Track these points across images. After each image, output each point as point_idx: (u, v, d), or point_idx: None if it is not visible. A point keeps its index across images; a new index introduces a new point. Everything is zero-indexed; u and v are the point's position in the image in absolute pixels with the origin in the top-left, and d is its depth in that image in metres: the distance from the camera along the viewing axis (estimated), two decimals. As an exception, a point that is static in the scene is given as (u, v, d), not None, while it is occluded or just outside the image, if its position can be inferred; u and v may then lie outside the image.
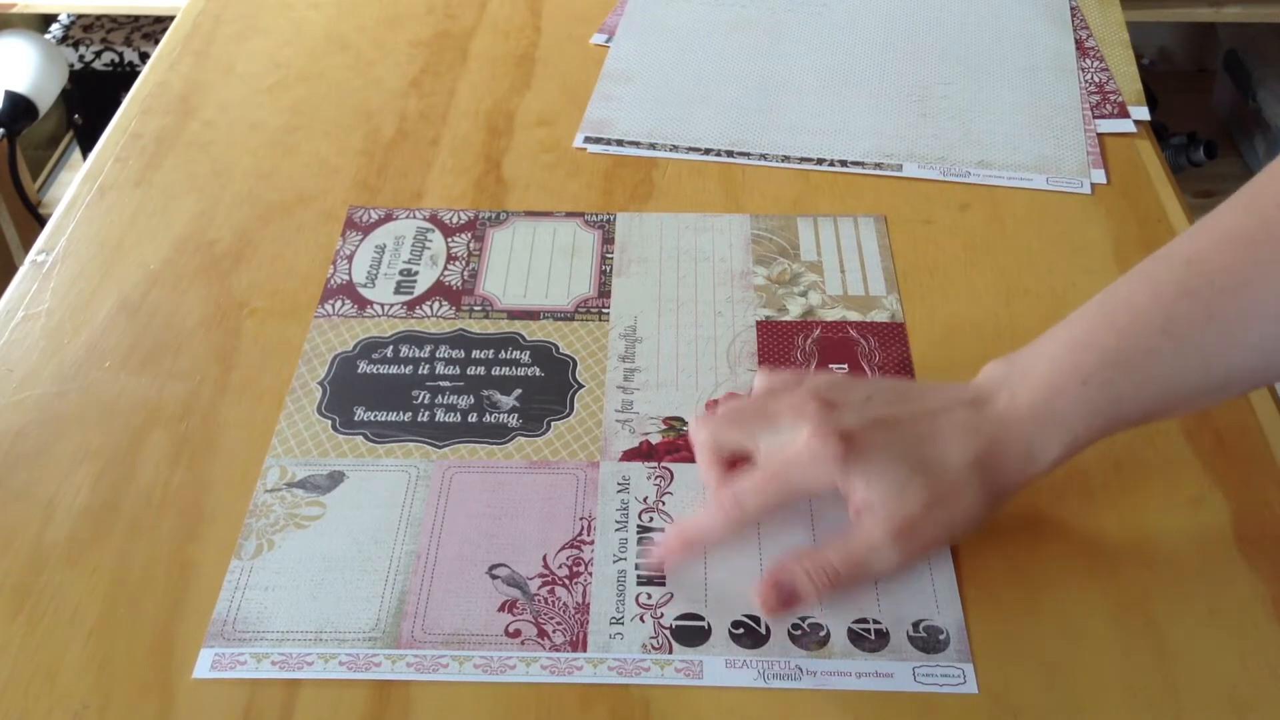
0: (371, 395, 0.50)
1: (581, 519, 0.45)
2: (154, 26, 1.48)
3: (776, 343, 0.53)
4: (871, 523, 0.41)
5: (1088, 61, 0.71)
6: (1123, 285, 0.42)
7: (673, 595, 0.43)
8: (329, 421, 0.49)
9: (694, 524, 0.43)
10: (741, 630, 0.42)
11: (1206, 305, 0.39)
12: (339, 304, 0.55)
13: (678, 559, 0.43)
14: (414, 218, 0.60)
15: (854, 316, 0.54)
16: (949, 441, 0.41)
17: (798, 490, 0.42)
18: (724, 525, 0.42)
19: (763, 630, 0.42)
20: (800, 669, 0.40)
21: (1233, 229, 0.40)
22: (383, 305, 0.55)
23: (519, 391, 0.51)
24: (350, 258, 0.58)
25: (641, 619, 0.42)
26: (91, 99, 1.48)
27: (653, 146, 0.65)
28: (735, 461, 0.43)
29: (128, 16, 1.49)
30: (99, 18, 1.49)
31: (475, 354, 0.53)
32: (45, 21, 1.52)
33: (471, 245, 0.58)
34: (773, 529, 0.45)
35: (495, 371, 0.52)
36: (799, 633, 0.42)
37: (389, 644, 0.41)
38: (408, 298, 0.55)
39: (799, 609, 0.42)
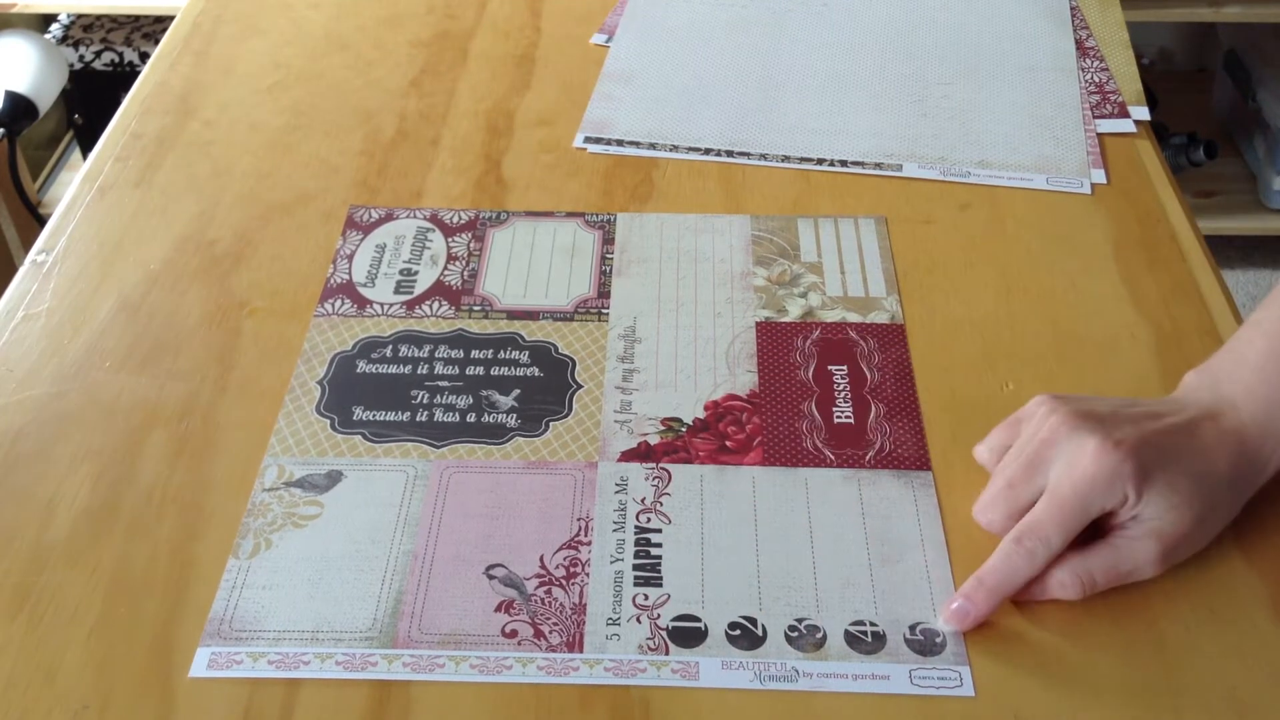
0: (370, 395, 0.50)
1: (579, 519, 0.45)
2: (154, 26, 1.48)
3: (776, 344, 0.53)
4: (1146, 539, 0.41)
5: (1088, 61, 0.71)
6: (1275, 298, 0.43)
7: (670, 596, 0.43)
8: (327, 421, 0.49)
9: (995, 571, 0.41)
10: (738, 632, 0.42)
11: None
12: (338, 303, 0.55)
13: (986, 612, 0.41)
14: (414, 217, 0.60)
15: (854, 318, 0.54)
16: (1214, 456, 0.42)
17: (1095, 511, 0.41)
18: (1030, 567, 0.41)
19: (759, 632, 0.42)
20: (797, 671, 0.40)
21: None
22: (382, 305, 0.55)
23: (518, 392, 0.51)
24: (350, 257, 0.58)
25: (638, 620, 0.42)
26: (91, 99, 1.48)
27: (653, 146, 0.65)
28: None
29: (128, 16, 1.49)
30: (99, 18, 1.50)
31: (474, 354, 0.53)
32: (45, 21, 1.52)
33: (471, 245, 0.58)
34: (771, 535, 0.45)
35: (494, 372, 0.52)
36: (796, 634, 0.42)
37: (386, 644, 0.41)
38: (407, 297, 0.55)
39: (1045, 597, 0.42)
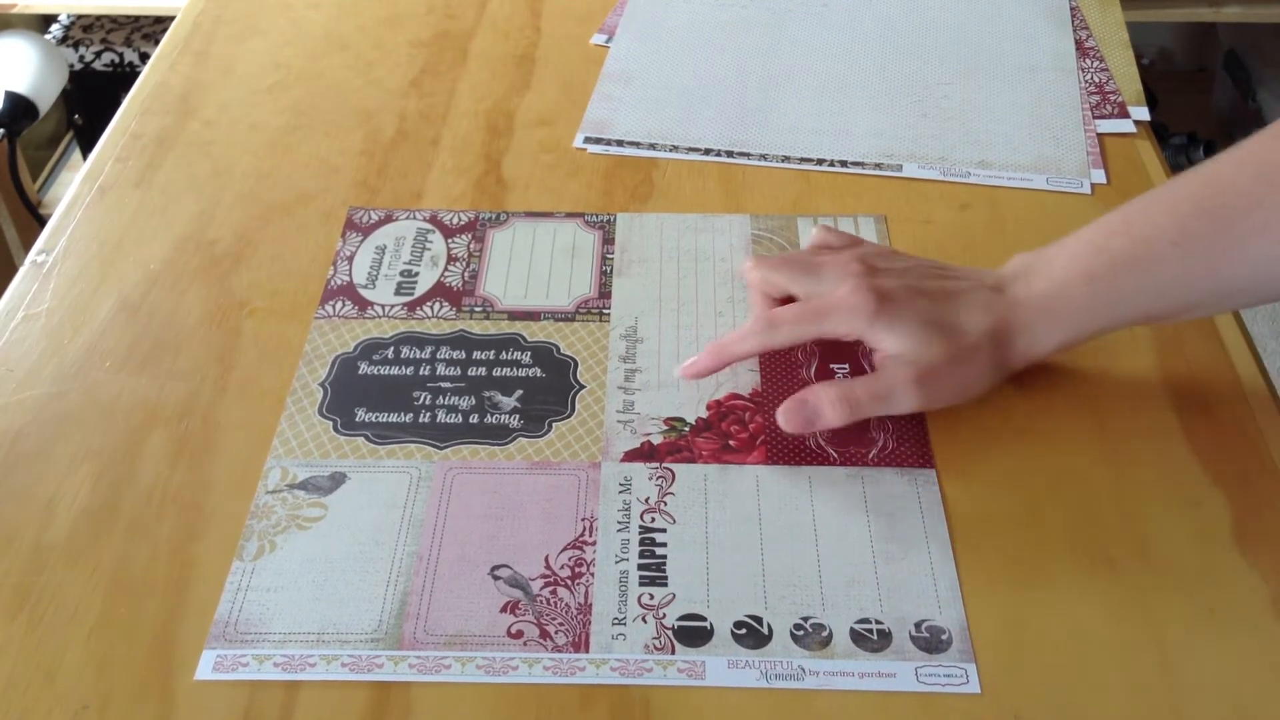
0: (372, 396, 0.50)
1: (583, 520, 0.45)
2: (154, 26, 1.48)
3: (777, 343, 0.53)
4: (896, 367, 0.45)
5: (1088, 61, 0.71)
6: (1145, 197, 0.45)
7: (675, 595, 0.43)
8: (330, 423, 0.49)
9: (729, 337, 0.47)
10: (744, 631, 0.42)
11: (1218, 223, 0.42)
12: (339, 305, 0.55)
13: (709, 368, 0.48)
14: (414, 218, 0.60)
15: (855, 317, 0.54)
16: (970, 313, 0.45)
17: (828, 332, 0.46)
18: (755, 342, 0.47)
19: (765, 630, 0.42)
20: (803, 669, 0.40)
21: (1255, 156, 0.42)
22: (383, 306, 0.55)
23: (520, 392, 0.51)
24: (351, 258, 0.58)
25: (644, 619, 0.42)
26: (91, 99, 1.48)
27: (653, 147, 0.65)
28: (781, 303, 0.49)
29: (128, 16, 1.49)
30: (99, 18, 1.49)
31: (476, 355, 0.52)
32: (45, 21, 1.52)
33: (472, 246, 0.58)
34: (775, 534, 0.45)
35: (496, 372, 0.52)
36: (801, 633, 0.42)
37: (391, 645, 0.41)
38: (408, 299, 0.55)
39: (816, 428, 0.46)
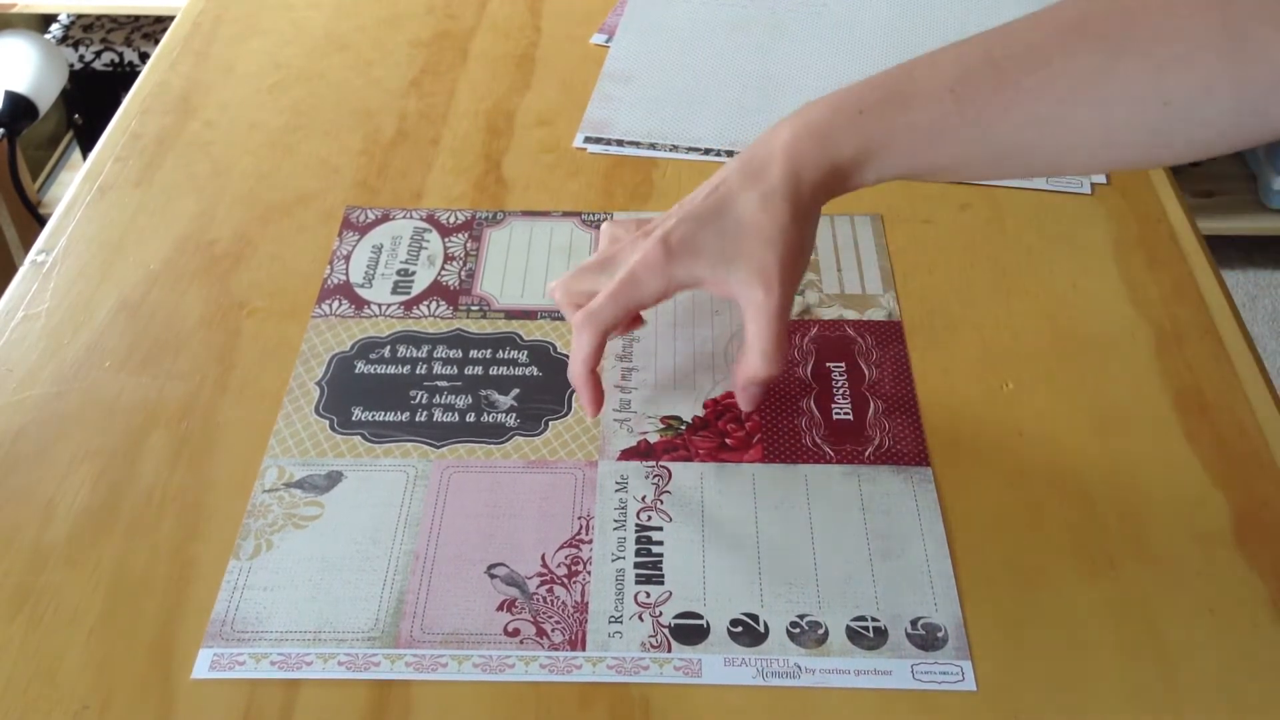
0: (369, 395, 0.50)
1: (580, 518, 0.45)
2: (154, 26, 1.48)
3: (775, 342, 0.53)
4: (738, 287, 0.43)
5: (1087, 61, 0.71)
6: (936, 49, 0.44)
7: (672, 594, 0.43)
8: (327, 421, 0.49)
9: (572, 362, 0.46)
10: (740, 629, 0.42)
11: (1001, 74, 0.41)
12: (336, 304, 0.55)
13: (587, 395, 0.46)
14: (411, 218, 0.60)
15: (851, 315, 0.54)
16: (736, 190, 0.43)
17: (643, 297, 0.44)
18: (585, 341, 0.45)
19: (761, 629, 0.42)
20: (799, 667, 0.40)
21: (1053, 16, 0.41)
22: (380, 305, 0.55)
23: (517, 391, 0.51)
24: (347, 258, 0.58)
25: (640, 618, 0.42)
26: (91, 99, 1.48)
27: (653, 146, 0.65)
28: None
29: (128, 16, 1.49)
30: (99, 18, 1.50)
31: (473, 354, 0.53)
32: (45, 21, 1.52)
33: (468, 245, 0.58)
34: (771, 532, 0.45)
35: (493, 371, 0.52)
36: (798, 631, 0.42)
37: (388, 644, 0.41)
38: (405, 298, 0.55)
39: (771, 382, 0.46)
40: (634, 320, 0.49)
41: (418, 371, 0.52)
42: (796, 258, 0.44)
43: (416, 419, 0.49)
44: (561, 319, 0.54)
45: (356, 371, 0.52)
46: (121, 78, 1.46)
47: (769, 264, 0.43)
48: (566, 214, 0.60)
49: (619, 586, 0.43)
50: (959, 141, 0.42)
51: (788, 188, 0.43)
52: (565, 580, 0.43)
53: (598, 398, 0.47)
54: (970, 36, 0.43)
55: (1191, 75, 0.38)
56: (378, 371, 0.52)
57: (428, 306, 0.55)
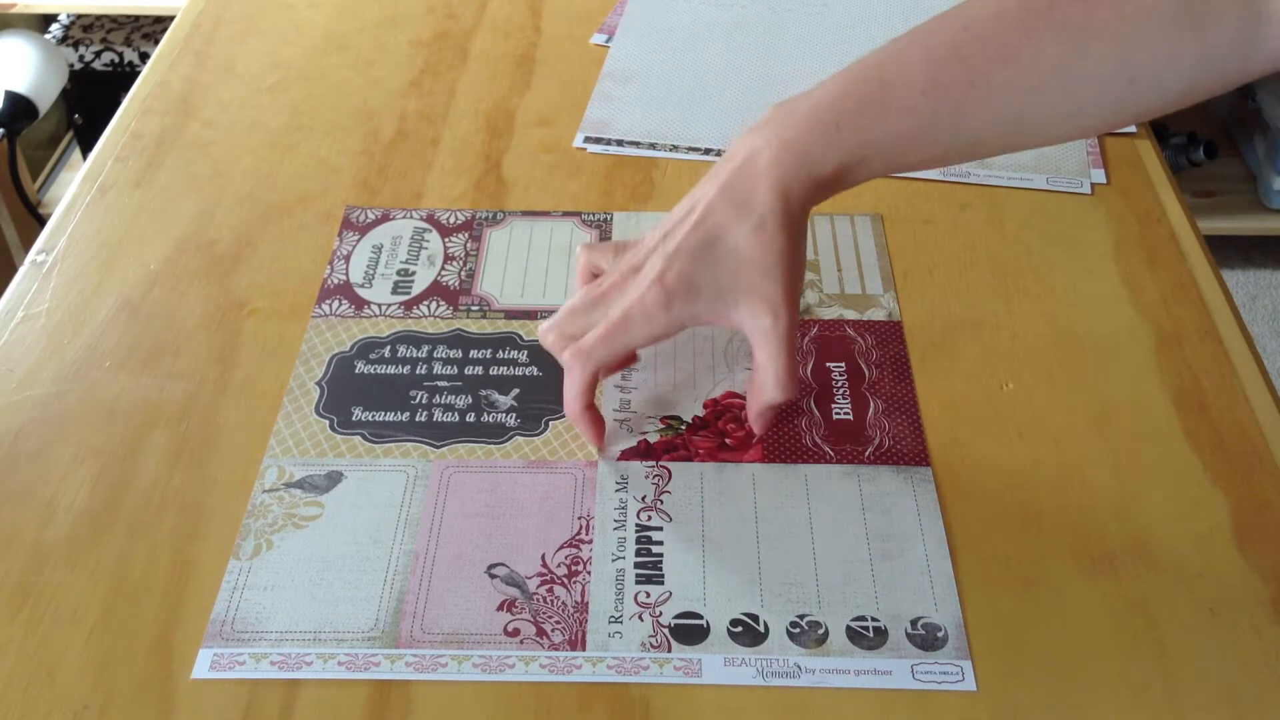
0: (369, 395, 0.50)
1: (580, 518, 0.45)
2: (154, 26, 1.48)
3: (776, 342, 0.53)
4: (753, 323, 0.43)
5: (1087, 61, 0.71)
6: (903, 40, 0.44)
7: (672, 594, 0.43)
8: (327, 421, 0.49)
9: (566, 400, 0.46)
10: (740, 628, 0.42)
11: (971, 72, 0.41)
12: (336, 304, 0.55)
13: (587, 429, 0.47)
14: (411, 218, 0.60)
15: (851, 315, 0.54)
16: (729, 224, 0.43)
17: (638, 340, 0.44)
18: (577, 378, 0.45)
19: (761, 628, 0.42)
20: (799, 667, 0.40)
21: (1019, 5, 0.41)
22: (380, 305, 0.55)
23: (517, 391, 0.51)
24: (347, 258, 0.58)
25: (640, 618, 0.42)
26: (91, 99, 1.48)
27: (653, 146, 0.65)
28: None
29: (128, 16, 1.49)
30: (99, 18, 1.50)
31: (473, 354, 0.53)
32: (45, 21, 1.53)
33: (468, 245, 0.58)
34: (771, 532, 0.45)
35: (493, 371, 0.52)
36: (797, 631, 0.42)
37: (388, 644, 0.41)
38: (405, 298, 0.55)
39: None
40: (628, 359, 0.48)
41: (418, 371, 0.52)
42: (795, 277, 0.44)
43: (416, 419, 0.49)
44: (561, 319, 0.54)
45: (356, 371, 0.52)
46: (121, 78, 1.46)
47: (772, 292, 0.43)
48: (566, 214, 0.60)
49: (619, 586, 0.43)
50: (936, 141, 0.43)
51: (778, 212, 0.43)
52: (565, 580, 0.43)
53: (599, 430, 0.47)
54: (935, 22, 0.43)
55: (1156, 50, 0.39)
56: (378, 371, 0.52)
57: (428, 306, 0.55)
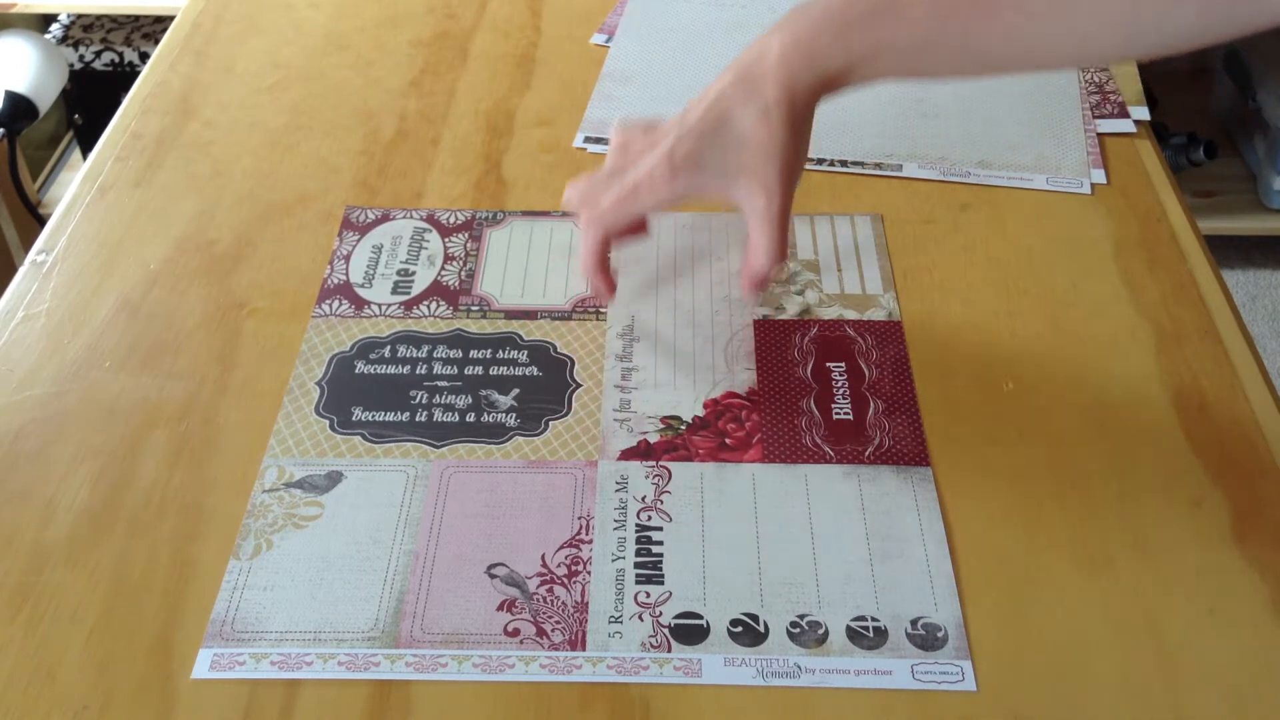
0: (369, 395, 0.50)
1: (580, 518, 0.45)
2: (154, 26, 1.48)
3: (774, 341, 0.53)
4: (740, 193, 0.47)
5: (1087, 61, 0.71)
6: None
7: (672, 594, 0.43)
8: (327, 421, 0.49)
9: (581, 253, 0.50)
10: (740, 628, 0.42)
11: None
12: (336, 304, 0.55)
13: (599, 284, 0.51)
14: (411, 218, 0.60)
15: (851, 315, 0.54)
16: (732, 104, 0.46)
17: (645, 207, 0.48)
18: (593, 235, 0.49)
19: (761, 628, 0.42)
20: (799, 667, 0.40)
21: None
22: (380, 305, 0.55)
23: (517, 391, 0.51)
24: (347, 258, 0.58)
25: (640, 618, 0.42)
26: (91, 99, 1.48)
27: (652, 146, 0.65)
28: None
29: (128, 16, 1.49)
30: (99, 18, 1.50)
31: (473, 354, 0.53)
32: (45, 21, 1.53)
33: (468, 245, 0.58)
34: (771, 532, 0.45)
35: (493, 371, 0.52)
36: (798, 630, 0.42)
37: (388, 644, 0.41)
38: (405, 298, 0.55)
39: (774, 278, 0.51)
40: (639, 226, 0.52)
41: (418, 371, 0.52)
42: (794, 165, 0.47)
43: (416, 419, 0.49)
44: (560, 319, 0.54)
45: (356, 371, 0.52)
46: (121, 78, 1.46)
47: (770, 175, 0.46)
48: (567, 214, 0.60)
49: (619, 586, 0.43)
50: (941, 57, 0.45)
51: (783, 102, 0.45)
52: (565, 580, 0.43)
53: (609, 286, 0.51)
54: None
55: None
56: (378, 371, 0.52)
57: (428, 306, 0.55)
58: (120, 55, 1.45)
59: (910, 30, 0.44)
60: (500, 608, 0.42)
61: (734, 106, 0.46)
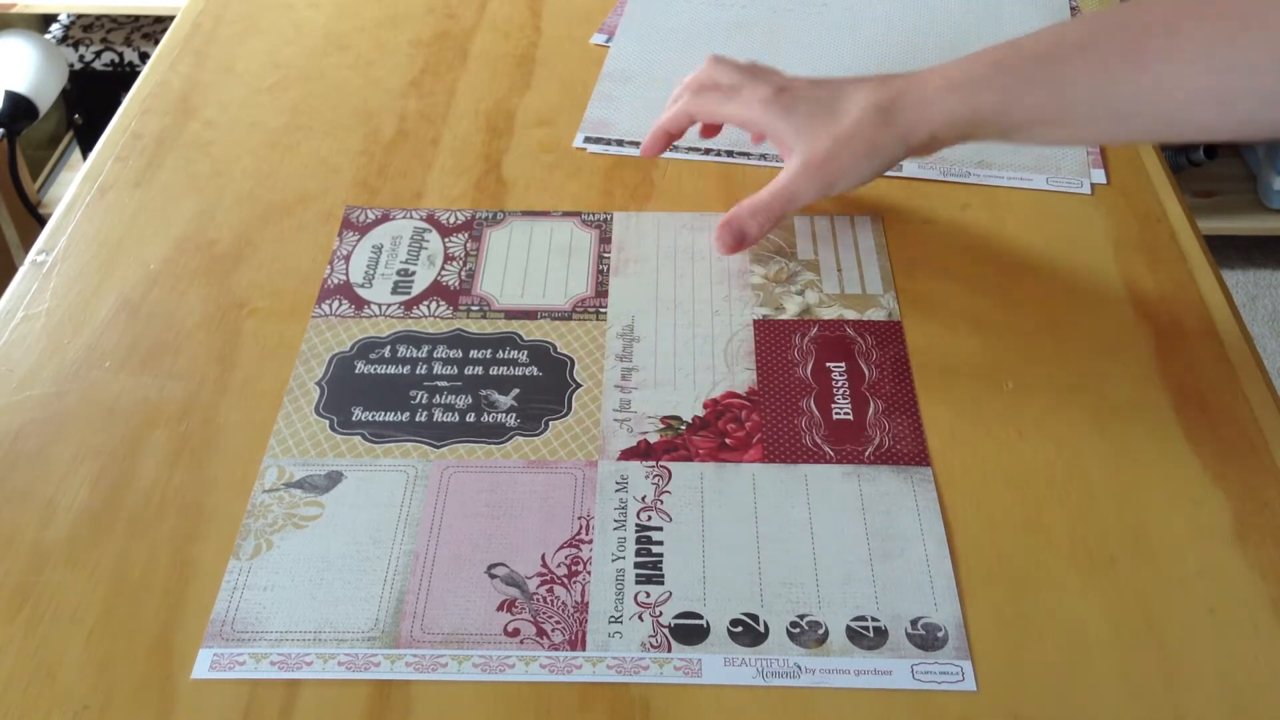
0: (369, 395, 0.50)
1: (580, 518, 0.45)
2: (154, 26, 1.48)
3: (774, 341, 0.53)
4: (790, 158, 0.51)
5: (1087, 61, 0.71)
6: (1072, 19, 0.50)
7: (672, 594, 0.43)
8: (327, 421, 0.49)
9: (662, 117, 0.56)
10: (740, 628, 0.42)
11: (1130, 37, 0.44)
12: (336, 304, 0.55)
13: (653, 142, 0.57)
14: (411, 218, 0.60)
15: (851, 315, 0.54)
16: (855, 94, 0.51)
17: (730, 115, 0.54)
18: (675, 110, 0.55)
19: (761, 629, 0.42)
20: (799, 667, 0.40)
21: None
22: (380, 305, 0.55)
23: (517, 391, 0.51)
24: (347, 258, 0.58)
25: (640, 618, 0.42)
26: (91, 99, 1.48)
27: (652, 146, 0.65)
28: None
29: (128, 16, 1.49)
30: (99, 18, 1.50)
31: (473, 354, 0.53)
32: (45, 21, 1.53)
33: (468, 245, 0.58)
34: (771, 532, 0.45)
35: (493, 371, 0.52)
36: (798, 631, 0.42)
37: (388, 644, 0.41)
38: (405, 298, 0.55)
39: (746, 245, 0.54)
40: (713, 128, 0.58)
41: (418, 371, 0.52)
42: (847, 175, 0.50)
43: (416, 419, 0.49)
44: (560, 319, 0.54)
45: (356, 371, 0.52)
46: (121, 78, 1.46)
47: (822, 163, 0.50)
48: (566, 214, 0.60)
49: (619, 586, 0.43)
50: (1083, 96, 0.45)
51: (890, 127, 0.49)
52: (565, 580, 0.43)
53: (656, 149, 0.57)
54: (1103, 10, 0.47)
55: None
56: (378, 371, 0.52)
57: (428, 306, 0.55)
58: (120, 55, 1.45)
59: (1060, 72, 0.45)
60: (500, 608, 0.42)
61: (851, 106, 0.49)
